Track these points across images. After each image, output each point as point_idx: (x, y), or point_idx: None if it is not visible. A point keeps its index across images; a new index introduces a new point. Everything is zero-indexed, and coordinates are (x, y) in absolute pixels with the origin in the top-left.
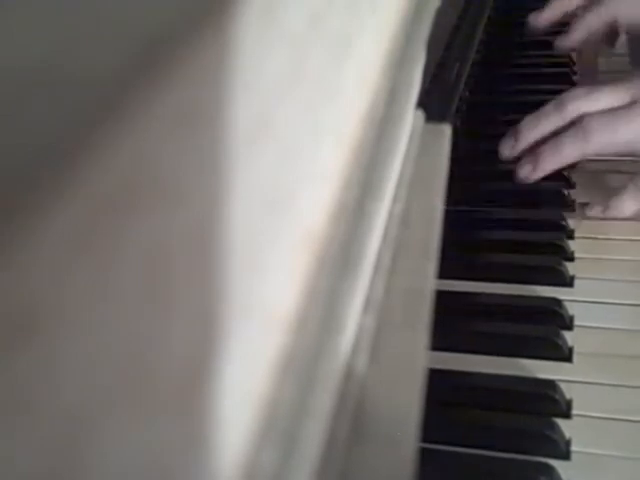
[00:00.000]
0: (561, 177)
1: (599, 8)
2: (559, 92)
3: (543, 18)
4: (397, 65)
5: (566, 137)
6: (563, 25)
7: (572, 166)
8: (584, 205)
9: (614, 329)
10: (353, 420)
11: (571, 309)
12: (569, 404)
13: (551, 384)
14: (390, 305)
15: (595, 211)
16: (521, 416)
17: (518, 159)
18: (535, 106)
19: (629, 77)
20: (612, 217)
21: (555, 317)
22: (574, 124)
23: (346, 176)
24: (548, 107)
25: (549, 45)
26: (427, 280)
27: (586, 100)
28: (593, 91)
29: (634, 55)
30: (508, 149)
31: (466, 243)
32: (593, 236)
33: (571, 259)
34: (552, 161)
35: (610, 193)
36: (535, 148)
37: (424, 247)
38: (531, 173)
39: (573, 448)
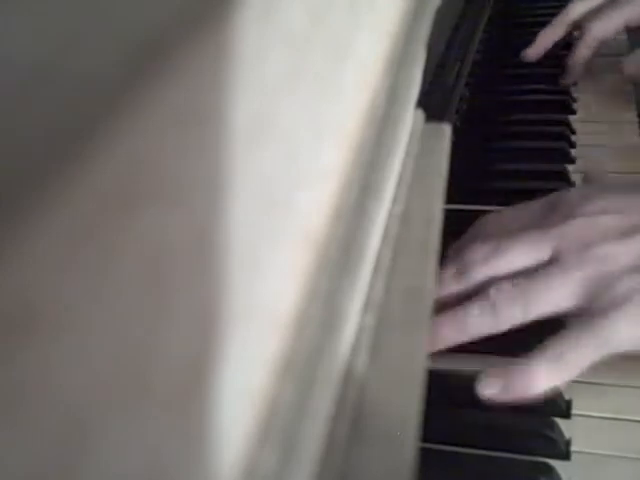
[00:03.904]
0: (561, 177)
1: (585, 38)
2: (559, 92)
3: (533, 52)
4: (397, 65)
5: (470, 309)
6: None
7: (571, 161)
8: None
9: None
10: (353, 420)
11: None
12: (569, 404)
13: None
14: (390, 305)
15: (490, 387)
16: (521, 416)
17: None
18: (535, 106)
19: (551, 211)
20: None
21: (555, 317)
22: (481, 292)
23: (346, 176)
24: (448, 270)
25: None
26: (427, 280)
27: (493, 262)
28: (500, 250)
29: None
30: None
31: None
32: None
33: None
34: (453, 336)
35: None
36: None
37: (424, 247)
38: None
39: (573, 448)
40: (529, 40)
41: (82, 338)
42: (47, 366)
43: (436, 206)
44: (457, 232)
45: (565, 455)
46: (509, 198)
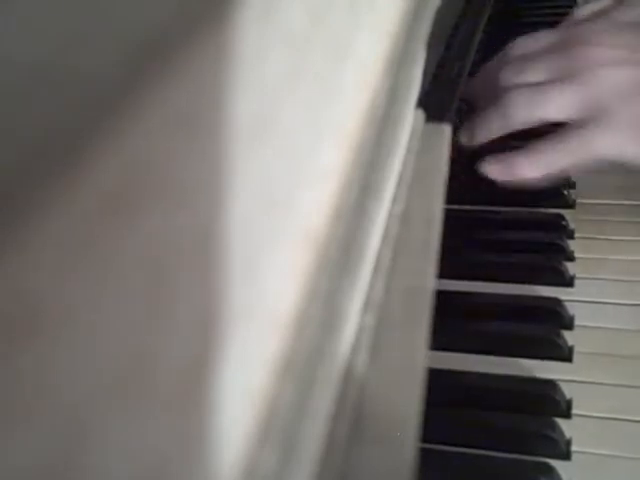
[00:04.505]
0: (562, 178)
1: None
2: None
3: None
4: (397, 65)
5: (490, 110)
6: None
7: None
8: (584, 205)
9: (614, 329)
10: (353, 420)
11: (571, 309)
12: (569, 404)
13: (551, 384)
14: (390, 305)
15: (493, 167)
16: (521, 416)
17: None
18: None
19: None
20: (512, 177)
21: (555, 317)
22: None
23: (346, 176)
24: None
25: None
26: (427, 280)
27: (512, 77)
28: (519, 67)
29: None
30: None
31: (466, 243)
32: (593, 236)
33: (571, 259)
34: (481, 134)
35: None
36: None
37: (424, 247)
38: (469, 141)
39: (573, 448)
40: None
41: (83, 338)
42: (48, 366)
43: (436, 206)
44: (457, 232)
45: (565, 455)
46: (509, 198)
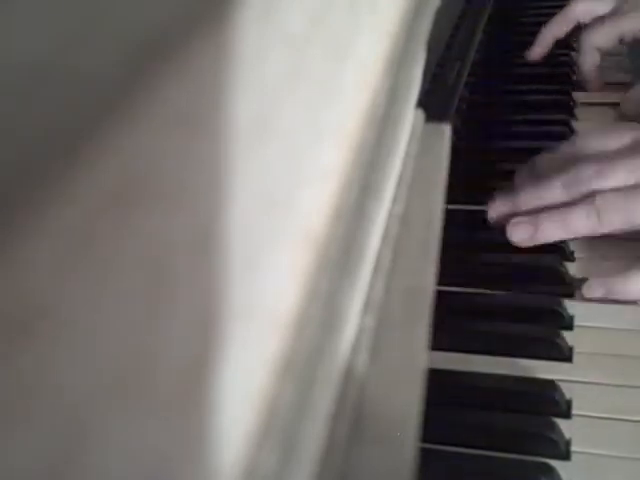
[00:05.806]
0: None
1: (583, 47)
2: (559, 92)
3: (537, 52)
4: (397, 65)
5: (577, 211)
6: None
7: None
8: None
9: (614, 329)
10: (353, 420)
11: (571, 309)
12: (569, 404)
13: (551, 384)
14: (390, 305)
15: (595, 292)
16: (521, 416)
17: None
18: (534, 106)
19: None
20: (615, 299)
21: (555, 317)
22: (584, 199)
23: (346, 176)
24: (554, 183)
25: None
26: (427, 280)
27: (597, 178)
28: (605, 168)
29: (635, 63)
30: (498, 213)
31: (466, 243)
32: (593, 236)
33: (571, 259)
34: (555, 232)
35: (611, 271)
36: (534, 212)
37: (424, 247)
38: (528, 239)
39: (573, 448)
40: (529, 40)
41: (83, 338)
42: (48, 366)
43: (436, 206)
44: (457, 232)
45: (565, 455)
46: None
